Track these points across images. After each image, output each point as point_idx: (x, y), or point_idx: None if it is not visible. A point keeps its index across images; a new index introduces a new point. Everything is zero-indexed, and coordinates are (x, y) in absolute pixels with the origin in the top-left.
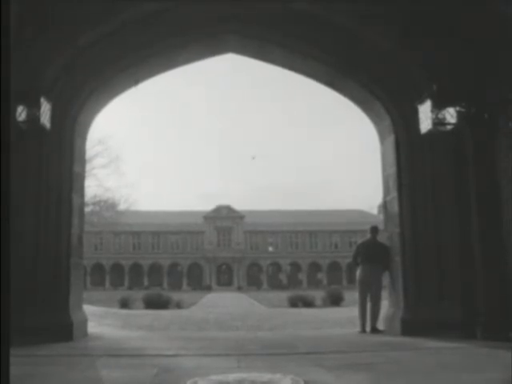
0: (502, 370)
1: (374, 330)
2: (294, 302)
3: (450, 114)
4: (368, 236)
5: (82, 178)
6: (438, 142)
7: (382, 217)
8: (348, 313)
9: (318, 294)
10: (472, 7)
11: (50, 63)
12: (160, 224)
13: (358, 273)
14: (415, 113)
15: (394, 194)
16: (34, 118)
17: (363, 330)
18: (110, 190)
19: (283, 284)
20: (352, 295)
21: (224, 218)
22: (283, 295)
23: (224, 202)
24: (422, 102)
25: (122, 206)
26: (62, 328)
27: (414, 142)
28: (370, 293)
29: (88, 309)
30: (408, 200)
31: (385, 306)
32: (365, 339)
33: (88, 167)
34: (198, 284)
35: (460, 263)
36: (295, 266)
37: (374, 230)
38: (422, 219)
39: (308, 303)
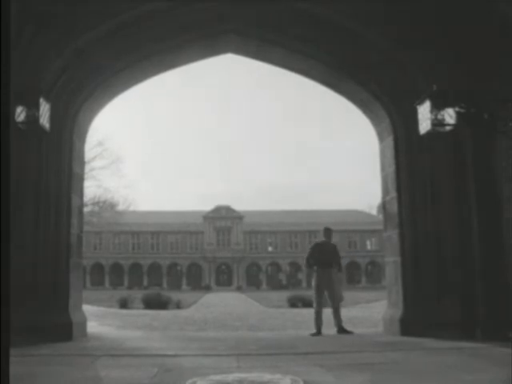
0: (502, 370)
1: (342, 331)
2: (293, 302)
3: (449, 115)
4: (322, 238)
5: (81, 178)
6: (437, 142)
7: (381, 217)
8: (347, 313)
9: None
10: (472, 7)
11: (49, 64)
12: (159, 224)
13: (314, 277)
14: (414, 113)
15: (393, 194)
16: (33, 119)
17: (319, 332)
18: (109, 191)
19: (283, 284)
20: (351, 295)
21: (223, 218)
22: (283, 295)
23: (223, 202)
24: (421, 102)
25: (121, 206)
26: (62, 328)
27: (413, 142)
28: (328, 296)
29: (87, 309)
30: (407, 200)
31: (384, 305)
32: (364, 340)
33: (87, 168)
34: (198, 284)
35: (460, 263)
36: (294, 266)
37: (327, 231)
38: (422, 219)
39: (307, 303)
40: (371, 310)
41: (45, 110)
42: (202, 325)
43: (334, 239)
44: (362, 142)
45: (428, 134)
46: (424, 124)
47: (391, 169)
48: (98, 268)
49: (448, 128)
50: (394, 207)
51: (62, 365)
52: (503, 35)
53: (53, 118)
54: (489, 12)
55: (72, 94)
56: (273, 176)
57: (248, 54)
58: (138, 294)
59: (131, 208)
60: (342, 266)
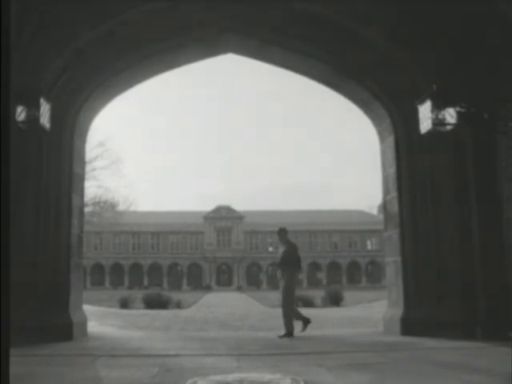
0: (502, 370)
1: (283, 335)
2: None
3: (450, 115)
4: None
5: (81, 178)
6: (437, 141)
7: (381, 217)
8: (348, 313)
9: (317, 294)
10: (472, 7)
11: (50, 64)
12: (160, 224)
13: None
14: (415, 113)
15: (393, 193)
16: (33, 119)
17: (304, 327)
18: (110, 191)
19: None
20: (352, 295)
21: (224, 218)
22: None
23: (224, 202)
24: (421, 102)
25: (121, 207)
26: (62, 328)
27: (413, 142)
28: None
29: (88, 309)
30: (408, 200)
31: (384, 305)
32: (365, 339)
33: (88, 168)
34: (198, 284)
35: (460, 263)
36: None
37: (278, 233)
38: (422, 219)
39: (308, 303)
40: (372, 310)
41: (45, 110)
42: (203, 325)
43: (335, 239)
44: (363, 141)
45: (428, 134)
46: (425, 123)
47: (392, 169)
48: (98, 268)
49: (449, 127)
50: (394, 207)
51: (62, 365)
52: (503, 35)
53: (53, 117)
54: (489, 12)
55: (72, 94)
56: (273, 176)
57: (249, 54)
58: (138, 294)
59: (132, 208)
60: (301, 267)
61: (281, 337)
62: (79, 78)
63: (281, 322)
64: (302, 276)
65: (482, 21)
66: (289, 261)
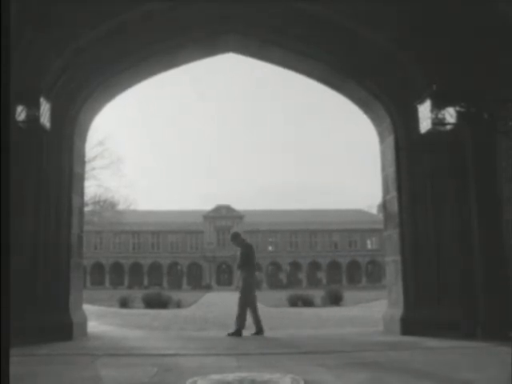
0: (502, 370)
1: (232, 334)
2: (293, 302)
3: (450, 114)
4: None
5: (81, 177)
6: (437, 142)
7: (381, 216)
8: (347, 312)
9: (317, 294)
10: (472, 7)
11: (50, 63)
12: (160, 223)
13: None
14: (415, 113)
15: (393, 193)
16: (33, 118)
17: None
18: (110, 190)
19: (283, 283)
20: (352, 295)
21: (223, 218)
22: (283, 295)
23: (224, 201)
24: (421, 101)
25: (121, 206)
26: (62, 327)
27: (413, 141)
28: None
29: (88, 308)
30: (408, 200)
31: (384, 305)
32: (365, 339)
33: (88, 168)
34: (198, 283)
35: (460, 263)
36: (295, 266)
37: (232, 239)
38: (422, 219)
39: (308, 303)
40: (371, 310)
41: (45, 110)
42: (203, 324)
43: (335, 239)
44: (363, 141)
45: (428, 134)
46: (424, 123)
47: (391, 168)
48: (98, 267)
49: (448, 127)
50: (394, 207)
51: (62, 364)
52: (503, 35)
53: (53, 117)
54: (489, 12)
55: (72, 94)
56: (273, 176)
57: (249, 54)
58: (138, 294)
59: (132, 207)
60: (255, 265)
61: (230, 334)
62: (79, 78)
63: (280, 321)
64: (302, 275)
65: (481, 21)
66: (247, 261)
